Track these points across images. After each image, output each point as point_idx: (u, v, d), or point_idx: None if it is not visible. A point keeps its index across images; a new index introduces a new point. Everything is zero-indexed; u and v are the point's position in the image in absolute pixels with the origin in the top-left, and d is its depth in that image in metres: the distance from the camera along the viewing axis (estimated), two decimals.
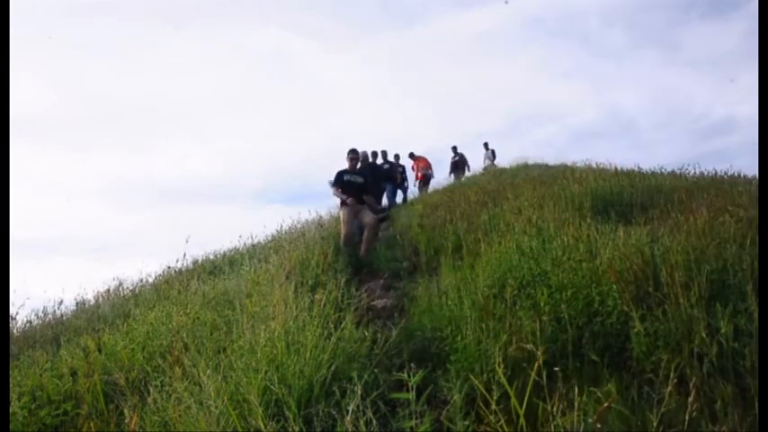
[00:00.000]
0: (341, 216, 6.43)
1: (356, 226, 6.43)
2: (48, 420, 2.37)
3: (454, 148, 15.37)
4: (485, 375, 2.21)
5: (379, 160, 10.62)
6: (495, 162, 15.85)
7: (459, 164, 15.11)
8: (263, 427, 1.77)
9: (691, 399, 1.48)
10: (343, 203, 6.47)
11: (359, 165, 7.11)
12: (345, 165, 6.83)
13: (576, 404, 1.54)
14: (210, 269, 6.38)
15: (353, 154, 6.90)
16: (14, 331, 4.74)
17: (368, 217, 6.39)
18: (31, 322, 5.15)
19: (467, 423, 1.73)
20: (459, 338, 2.56)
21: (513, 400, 1.54)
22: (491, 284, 3.48)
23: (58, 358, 3.20)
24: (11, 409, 2.31)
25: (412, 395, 1.78)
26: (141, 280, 6.48)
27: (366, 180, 6.80)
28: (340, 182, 6.63)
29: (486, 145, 16.22)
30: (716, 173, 6.95)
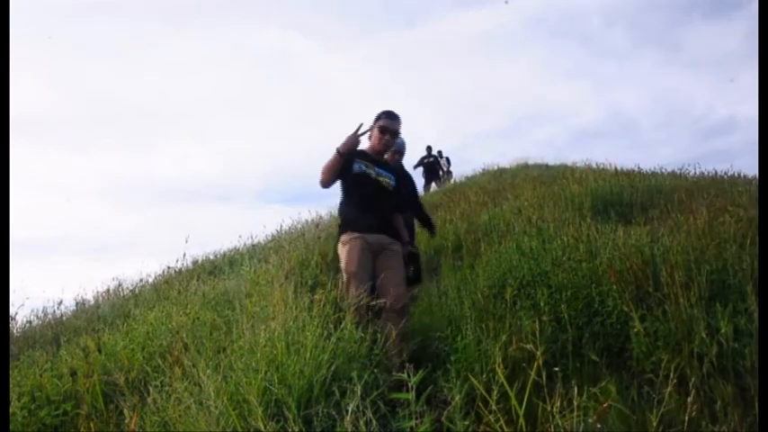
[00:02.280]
0: (342, 253, 2.98)
1: (369, 283, 2.89)
2: (47, 420, 2.37)
3: (428, 149, 13.74)
4: (485, 375, 2.21)
5: None
6: (451, 170, 14.00)
7: (432, 167, 13.40)
8: (262, 427, 1.77)
9: (690, 399, 1.48)
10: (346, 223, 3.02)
11: (393, 154, 3.57)
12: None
13: (575, 404, 1.54)
14: (210, 269, 6.38)
15: (390, 120, 3.13)
16: (14, 331, 4.75)
17: (395, 275, 2.95)
18: (30, 322, 5.16)
19: (467, 423, 1.73)
20: (459, 338, 2.57)
21: (513, 401, 1.54)
22: (491, 284, 3.49)
23: (57, 358, 3.20)
24: (10, 410, 2.31)
25: (412, 395, 1.78)
26: (141, 280, 6.49)
27: (400, 186, 3.23)
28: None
29: (440, 153, 14.35)
30: (716, 173, 6.97)
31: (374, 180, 3.07)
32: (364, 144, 3.13)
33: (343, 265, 2.96)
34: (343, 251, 2.98)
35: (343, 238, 3.00)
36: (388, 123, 3.13)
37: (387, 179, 3.13)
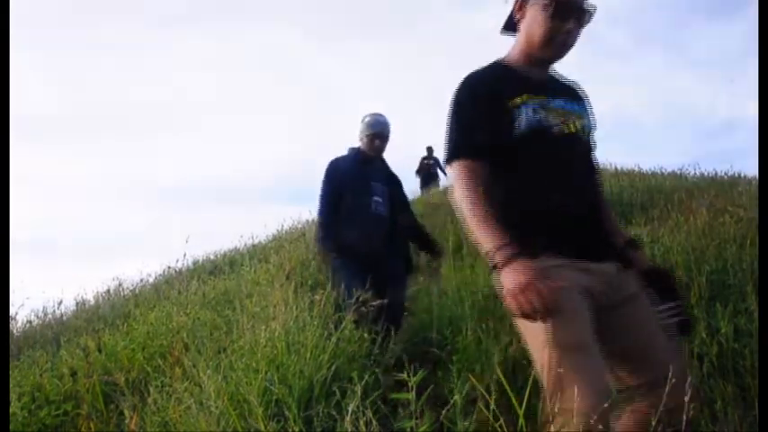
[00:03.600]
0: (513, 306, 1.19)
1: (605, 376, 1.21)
2: (47, 420, 2.37)
3: (429, 150, 12.03)
4: (485, 375, 2.21)
5: None
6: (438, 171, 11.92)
7: (431, 169, 11.99)
8: (263, 427, 1.77)
9: (690, 398, 1.48)
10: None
11: (373, 140, 2.91)
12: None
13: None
14: (211, 269, 6.38)
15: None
16: (14, 331, 4.74)
17: (657, 339, 1.31)
18: (30, 322, 5.15)
19: (467, 423, 1.73)
20: (459, 338, 2.56)
21: (513, 401, 1.54)
22: (492, 284, 3.48)
23: (57, 358, 3.20)
24: (10, 410, 2.31)
25: (412, 395, 1.78)
26: (141, 280, 6.48)
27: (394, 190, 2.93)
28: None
29: (430, 150, 12.06)
30: (716, 173, 6.98)
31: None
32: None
33: (540, 333, 1.26)
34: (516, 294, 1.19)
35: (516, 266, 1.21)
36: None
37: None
